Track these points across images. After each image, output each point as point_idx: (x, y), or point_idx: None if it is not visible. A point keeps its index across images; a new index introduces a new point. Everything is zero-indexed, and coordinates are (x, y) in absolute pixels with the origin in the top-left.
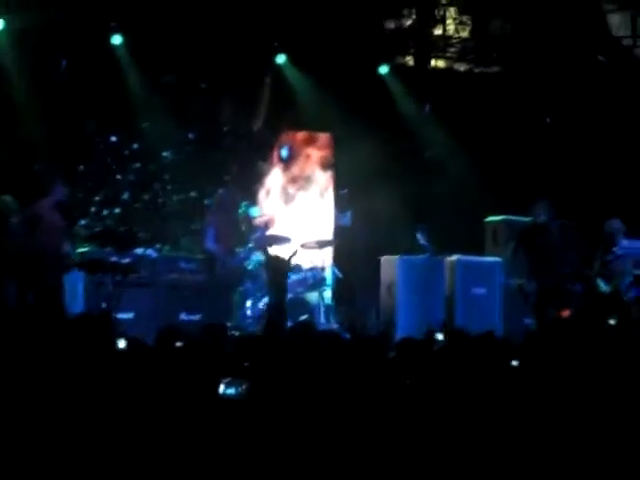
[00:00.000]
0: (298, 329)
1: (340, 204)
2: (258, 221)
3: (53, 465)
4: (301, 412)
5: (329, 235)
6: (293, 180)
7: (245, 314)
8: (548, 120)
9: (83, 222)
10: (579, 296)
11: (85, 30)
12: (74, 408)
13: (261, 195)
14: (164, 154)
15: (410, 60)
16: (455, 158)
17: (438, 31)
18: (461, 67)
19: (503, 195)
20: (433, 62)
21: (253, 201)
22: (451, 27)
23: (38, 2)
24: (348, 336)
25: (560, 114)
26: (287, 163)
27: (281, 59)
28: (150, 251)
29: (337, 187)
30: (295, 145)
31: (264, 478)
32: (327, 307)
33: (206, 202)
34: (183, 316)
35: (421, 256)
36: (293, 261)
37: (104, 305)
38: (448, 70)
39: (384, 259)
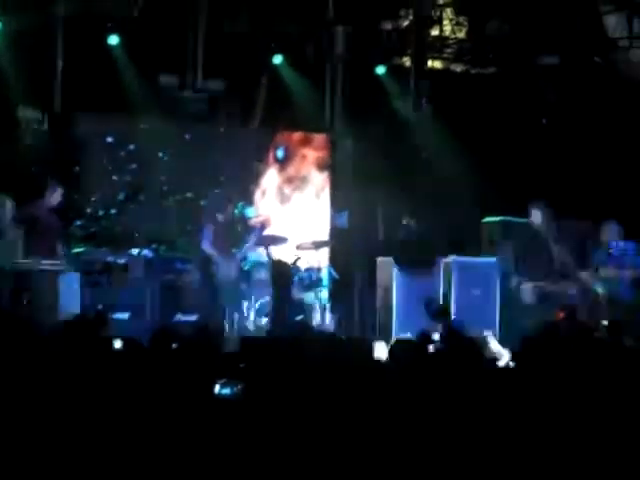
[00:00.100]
0: (294, 329)
1: (336, 206)
2: (254, 221)
3: (49, 465)
4: (296, 412)
5: (325, 236)
6: (289, 180)
7: (241, 314)
8: (544, 121)
9: (79, 222)
10: (575, 298)
11: (82, 31)
12: (69, 409)
13: (257, 195)
14: (160, 155)
15: (407, 61)
16: (451, 159)
17: (435, 32)
18: (458, 68)
19: (500, 196)
20: (430, 63)
21: (249, 201)
22: (448, 28)
23: (34, 3)
24: (344, 337)
25: (556, 115)
26: (283, 163)
27: (277, 59)
28: (146, 251)
29: (333, 188)
30: (291, 146)
31: (260, 479)
32: (323, 307)
33: (202, 203)
34: (179, 316)
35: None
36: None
37: (99, 306)
38: (445, 71)
39: (380, 260)
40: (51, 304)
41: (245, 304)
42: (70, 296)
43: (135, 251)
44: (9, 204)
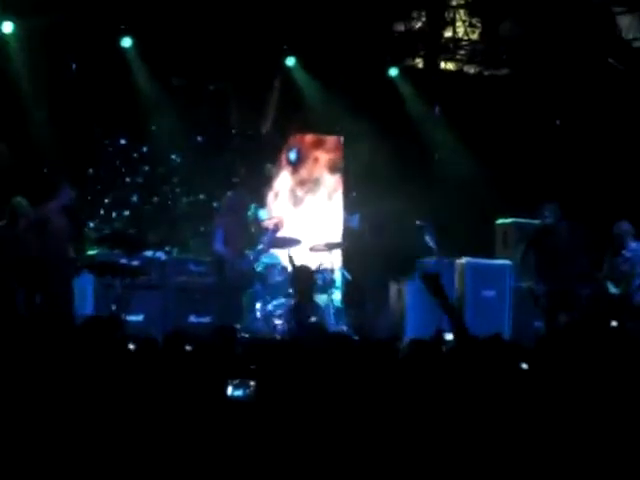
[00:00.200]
0: (308, 331)
1: (349, 208)
2: (266, 223)
3: (59, 466)
4: (309, 414)
5: (338, 237)
6: (301, 183)
7: (255, 316)
8: (558, 122)
9: (92, 225)
10: (588, 298)
11: (94, 33)
12: (82, 411)
13: (269, 198)
14: (173, 157)
15: (420, 62)
16: (464, 160)
17: (448, 33)
18: (471, 69)
19: (513, 197)
20: (442, 64)
21: (261, 204)
22: (461, 29)
23: (47, 5)
24: (357, 338)
25: (570, 116)
26: (295, 166)
27: (290, 62)
28: (159, 253)
29: (346, 190)
30: (303, 148)
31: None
32: (336, 309)
33: (215, 204)
34: (192, 318)
35: (430, 259)
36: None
37: (113, 308)
38: (458, 72)
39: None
40: None
41: (258, 305)
42: (84, 298)
43: (148, 253)
44: (26, 206)
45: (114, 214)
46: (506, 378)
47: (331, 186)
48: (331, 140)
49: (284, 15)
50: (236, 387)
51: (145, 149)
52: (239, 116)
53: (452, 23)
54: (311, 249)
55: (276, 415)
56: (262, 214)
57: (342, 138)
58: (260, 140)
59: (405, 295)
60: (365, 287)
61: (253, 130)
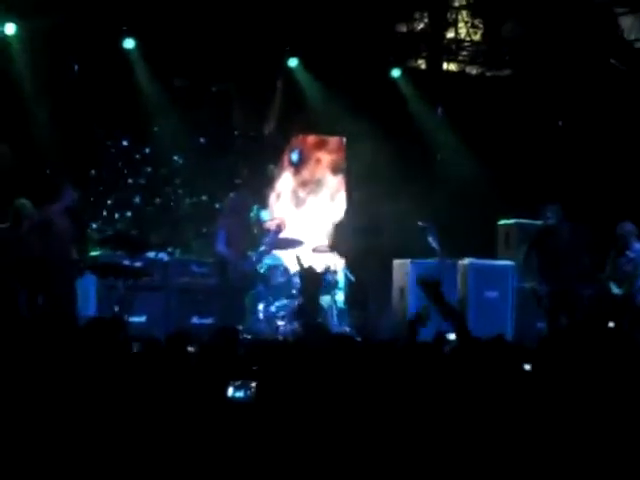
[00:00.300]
0: (311, 332)
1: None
2: (269, 224)
3: (62, 467)
4: (312, 415)
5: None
6: (304, 184)
7: (257, 317)
8: (560, 123)
9: (95, 226)
10: (590, 299)
11: (97, 34)
12: (84, 412)
13: (272, 199)
14: (175, 158)
15: (422, 63)
16: (467, 161)
17: (450, 34)
18: (473, 70)
19: (515, 198)
20: (445, 65)
21: (264, 205)
22: (463, 30)
23: (50, 6)
24: (360, 339)
25: (572, 117)
26: (298, 167)
27: (293, 63)
28: (162, 255)
29: (348, 190)
30: (306, 149)
31: None
32: (339, 310)
33: (217, 206)
34: (195, 319)
35: (433, 260)
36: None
37: (116, 309)
38: (460, 73)
39: (396, 262)
40: None
41: (261, 307)
42: (86, 299)
43: (151, 254)
44: (30, 208)
45: (117, 215)
46: (509, 379)
47: (333, 187)
48: (333, 141)
49: (286, 16)
50: (237, 388)
51: (147, 150)
52: (241, 117)
53: (454, 24)
54: (314, 250)
55: (278, 416)
56: (264, 215)
57: (344, 139)
58: (262, 141)
59: (407, 295)
60: (368, 288)
61: (255, 131)
